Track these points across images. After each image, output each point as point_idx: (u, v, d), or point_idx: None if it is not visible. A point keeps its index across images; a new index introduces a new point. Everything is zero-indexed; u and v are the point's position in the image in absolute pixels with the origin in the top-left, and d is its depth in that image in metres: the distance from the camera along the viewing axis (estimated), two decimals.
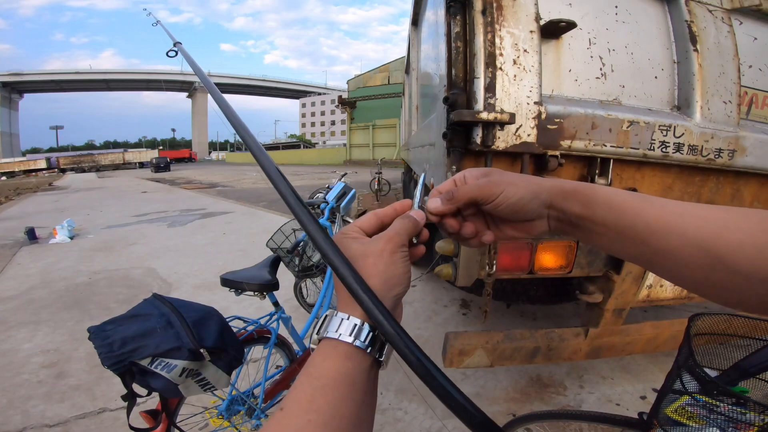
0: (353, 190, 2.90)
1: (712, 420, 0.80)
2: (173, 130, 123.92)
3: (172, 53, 0.98)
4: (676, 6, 1.41)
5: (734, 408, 0.77)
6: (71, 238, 5.79)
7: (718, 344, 0.95)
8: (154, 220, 7.46)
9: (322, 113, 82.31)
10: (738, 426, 0.76)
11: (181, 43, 0.98)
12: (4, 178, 31.85)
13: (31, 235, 5.71)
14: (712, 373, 0.91)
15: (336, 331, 0.33)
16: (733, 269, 0.28)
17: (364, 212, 7.52)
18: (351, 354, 0.32)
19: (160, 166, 30.24)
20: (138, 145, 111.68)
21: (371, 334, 0.33)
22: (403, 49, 4.52)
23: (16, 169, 36.50)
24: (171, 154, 50.38)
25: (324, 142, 65.25)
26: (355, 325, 0.33)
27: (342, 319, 0.34)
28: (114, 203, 10.43)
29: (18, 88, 77.27)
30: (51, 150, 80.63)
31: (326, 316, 0.35)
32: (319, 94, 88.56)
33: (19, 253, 5.11)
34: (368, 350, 0.33)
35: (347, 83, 32.75)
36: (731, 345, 0.94)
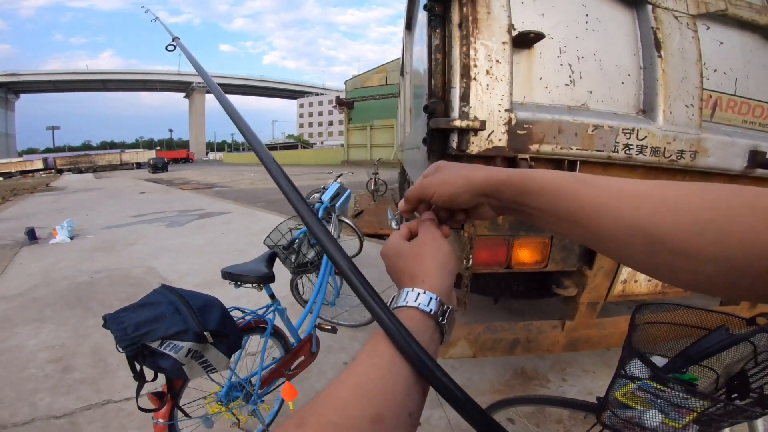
0: (348, 191, 3.00)
1: (657, 404, 0.86)
2: (171, 130, 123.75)
3: (171, 47, 1.00)
4: (644, 13, 1.47)
5: (678, 394, 0.83)
6: (71, 238, 5.87)
7: (666, 333, 1.03)
8: (153, 220, 7.54)
9: (320, 113, 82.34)
10: (680, 411, 0.82)
11: (179, 38, 1.00)
12: (0, 178, 31.78)
13: (32, 235, 5.79)
14: (662, 361, 0.99)
15: (404, 300, 0.37)
16: (675, 250, 0.27)
17: (360, 212, 7.61)
18: (416, 316, 0.36)
19: (158, 167, 30.25)
20: (135, 145, 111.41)
21: (436, 300, 0.37)
22: (400, 50, 4.61)
23: (13, 170, 36.46)
24: (168, 155, 50.31)
25: (322, 143, 65.31)
26: (419, 293, 0.37)
27: (408, 292, 0.38)
28: (112, 204, 10.49)
29: (14, 88, 76.99)
30: (47, 150, 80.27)
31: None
32: (317, 94, 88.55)
33: (20, 253, 5.19)
34: (431, 312, 0.36)
35: (345, 84, 32.80)
36: (678, 334, 1.00)
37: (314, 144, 66.34)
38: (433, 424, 1.88)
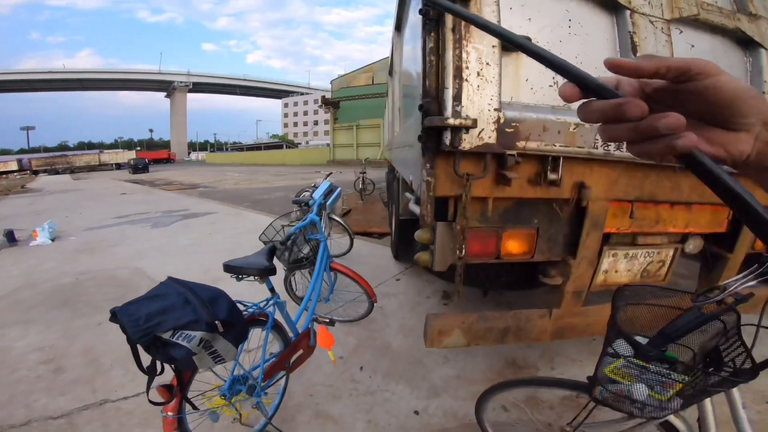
0: (338, 189, 3.05)
1: (642, 378, 0.93)
2: (151, 130, 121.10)
3: None
4: (622, 18, 1.57)
5: (660, 369, 0.90)
6: (52, 240, 5.74)
7: (644, 314, 1.10)
8: (136, 221, 7.41)
9: (305, 113, 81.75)
10: (664, 384, 0.90)
11: None
12: None
13: (11, 237, 5.64)
14: (644, 340, 1.03)
15: None
16: None
17: (348, 211, 7.64)
18: None
19: (139, 167, 29.61)
20: (114, 146, 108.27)
21: None
22: (387, 50, 4.66)
23: None
24: (149, 155, 49.11)
25: (307, 142, 64.80)
26: None
27: None
28: (93, 205, 10.24)
29: None
30: (22, 151, 77.35)
31: None
32: (302, 93, 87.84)
33: None
34: None
35: (330, 83, 32.64)
36: (655, 314, 1.07)
37: (299, 144, 65.84)
38: (431, 413, 1.96)
